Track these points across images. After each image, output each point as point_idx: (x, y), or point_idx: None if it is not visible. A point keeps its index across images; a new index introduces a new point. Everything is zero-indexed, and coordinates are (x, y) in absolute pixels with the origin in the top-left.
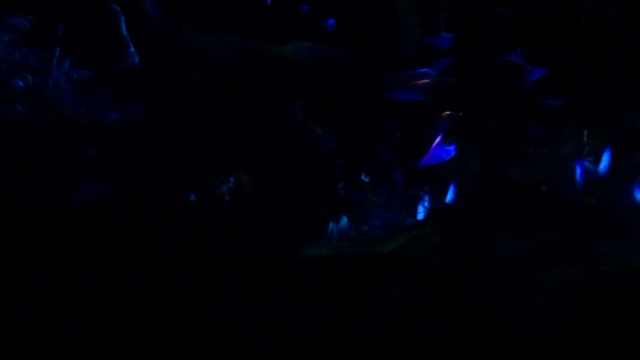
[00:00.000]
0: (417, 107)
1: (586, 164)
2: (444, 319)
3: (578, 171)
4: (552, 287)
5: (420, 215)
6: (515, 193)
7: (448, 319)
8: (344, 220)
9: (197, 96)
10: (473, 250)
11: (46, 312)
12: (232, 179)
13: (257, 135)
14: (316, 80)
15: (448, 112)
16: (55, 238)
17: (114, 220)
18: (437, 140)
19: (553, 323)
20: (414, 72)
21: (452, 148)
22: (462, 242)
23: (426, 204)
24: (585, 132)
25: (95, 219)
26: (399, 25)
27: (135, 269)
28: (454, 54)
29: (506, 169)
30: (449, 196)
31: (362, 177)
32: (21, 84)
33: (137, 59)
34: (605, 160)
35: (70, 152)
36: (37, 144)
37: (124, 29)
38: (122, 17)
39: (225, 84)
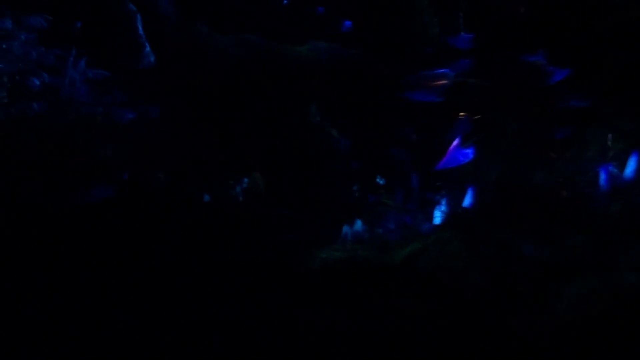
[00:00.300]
0: (435, 109)
1: (611, 168)
2: (459, 330)
3: (602, 176)
4: (575, 297)
5: (437, 220)
6: (536, 198)
7: (464, 331)
8: (359, 224)
9: (212, 96)
10: (492, 257)
11: (57, 311)
12: (246, 179)
13: (272, 136)
14: (332, 81)
15: (467, 114)
16: (66, 237)
17: (127, 220)
18: (455, 142)
19: (577, 336)
20: (433, 72)
21: (470, 151)
22: (481, 249)
23: (443, 208)
24: (610, 136)
25: (108, 218)
26: (417, 25)
27: (148, 269)
28: (474, 54)
29: (527, 173)
30: (467, 200)
31: (378, 180)
32: (38, 82)
33: (152, 59)
34: (631, 165)
35: (85, 151)
36: (53, 142)
37: (140, 28)
38: (139, 17)
39: (240, 84)
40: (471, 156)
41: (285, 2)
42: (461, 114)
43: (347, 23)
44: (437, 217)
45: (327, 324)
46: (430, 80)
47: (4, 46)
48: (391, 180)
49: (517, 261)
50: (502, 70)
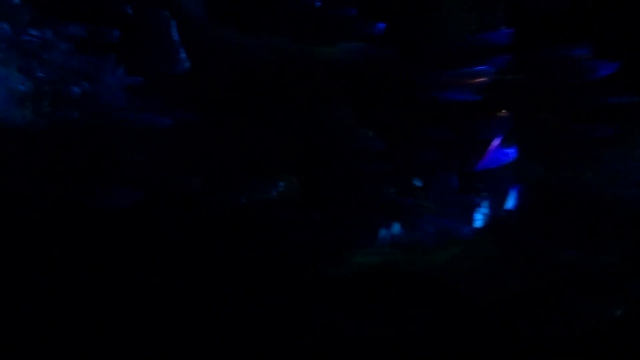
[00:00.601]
0: (473, 107)
1: None
2: (497, 337)
3: None
4: (623, 306)
5: (478, 223)
6: (580, 200)
7: (501, 337)
8: (396, 227)
9: (244, 100)
10: (535, 262)
11: (84, 313)
12: (282, 183)
13: (306, 140)
14: (364, 82)
15: (507, 112)
16: (95, 240)
17: (158, 224)
18: (496, 142)
19: (619, 346)
20: (470, 70)
21: (512, 150)
22: (522, 253)
23: (484, 210)
24: None
25: (139, 222)
26: (453, 22)
27: (181, 274)
28: (513, 49)
29: (571, 173)
30: (509, 203)
31: (415, 182)
32: (77, 90)
33: (187, 64)
34: None
35: (120, 156)
36: (91, 148)
37: (175, 34)
38: (173, 23)
39: (271, 87)
40: (513, 156)
41: (317, 4)
42: (500, 112)
43: (381, 25)
44: (478, 220)
45: (364, 332)
46: (468, 77)
47: (45, 56)
48: (429, 182)
49: (559, 267)
50: (544, 65)
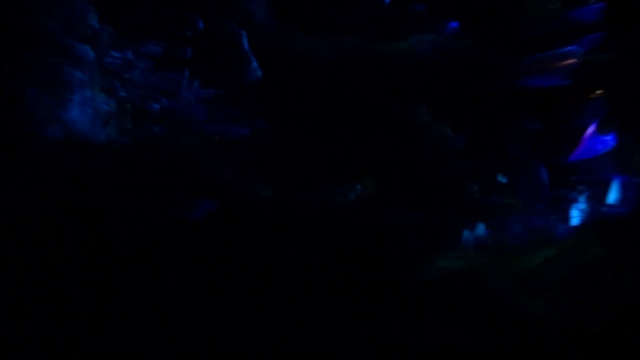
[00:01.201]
0: (562, 93)
1: None
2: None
3: None
4: None
5: (575, 220)
6: None
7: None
8: (481, 228)
9: (317, 104)
10: None
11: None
12: (358, 186)
13: (382, 140)
14: (440, 76)
15: (601, 95)
16: (179, 252)
17: (241, 234)
18: (590, 129)
19: None
20: (557, 51)
21: (609, 137)
22: (632, 255)
23: (581, 206)
24: None
25: (223, 232)
26: (533, 3)
27: (264, 282)
28: (605, 26)
29: None
30: (611, 196)
31: (499, 179)
32: (157, 106)
33: (259, 73)
34: None
35: (201, 168)
36: (172, 161)
37: (246, 44)
38: (244, 34)
39: (343, 87)
40: (611, 143)
41: (386, 1)
42: (594, 95)
43: (454, 24)
44: (575, 218)
45: (449, 343)
46: (554, 61)
47: (126, 76)
48: (515, 177)
49: None
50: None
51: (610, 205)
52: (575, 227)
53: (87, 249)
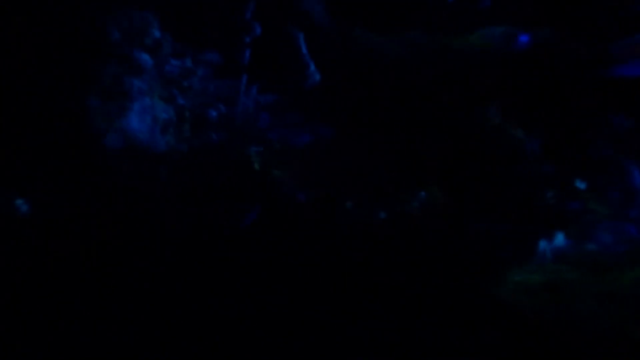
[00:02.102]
0: None
1: None
2: None
3: None
4: None
5: None
6: None
7: None
8: (560, 238)
9: (379, 106)
10: None
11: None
12: (423, 194)
13: (449, 144)
14: (513, 70)
15: None
16: (238, 259)
17: (302, 241)
18: None
19: None
20: None
21: None
22: None
23: None
24: None
25: (285, 239)
26: None
27: (327, 292)
28: None
29: None
30: None
31: (577, 184)
32: (215, 114)
33: (318, 77)
34: None
35: (261, 176)
36: (231, 170)
37: (304, 47)
38: (301, 37)
39: (409, 88)
40: None
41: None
42: None
43: (524, 38)
44: None
45: None
46: None
47: (185, 84)
48: (599, 181)
49: None
50: None
51: None
52: None
53: (145, 256)
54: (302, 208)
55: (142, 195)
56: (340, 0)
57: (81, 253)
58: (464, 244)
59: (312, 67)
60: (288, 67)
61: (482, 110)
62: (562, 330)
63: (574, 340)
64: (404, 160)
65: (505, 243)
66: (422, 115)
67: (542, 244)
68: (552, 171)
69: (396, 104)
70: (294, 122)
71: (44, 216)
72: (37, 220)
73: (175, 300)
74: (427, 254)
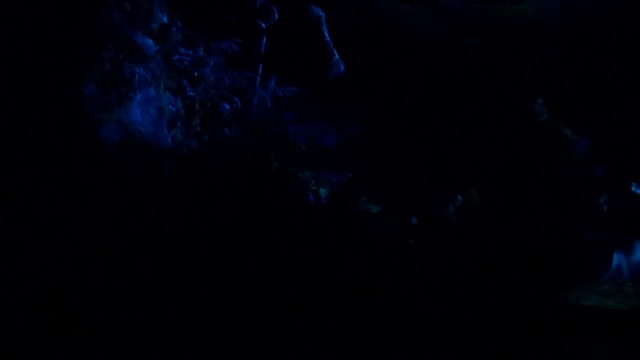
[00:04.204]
0: None
1: None
2: None
3: None
4: None
5: None
6: None
7: None
8: (638, 250)
9: (410, 97)
10: None
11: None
12: (460, 197)
13: (488, 143)
14: (570, 51)
15: None
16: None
17: (329, 244)
18: None
19: None
20: None
21: None
22: None
23: None
24: None
25: (310, 241)
26: None
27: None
28: None
29: None
30: None
31: (633, 189)
32: (228, 107)
33: (342, 67)
34: None
35: (278, 176)
36: (242, 167)
37: (326, 34)
38: (324, 19)
39: (441, 73)
40: None
41: None
42: None
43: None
44: None
45: None
46: None
47: (195, 74)
48: None
49: None
50: None
51: None
52: None
53: (146, 256)
54: (327, 213)
55: (142, 194)
56: None
57: (75, 249)
58: (506, 253)
59: (337, 56)
60: (309, 55)
61: (528, 103)
62: None
63: None
64: (439, 160)
65: (563, 254)
66: (458, 108)
67: (616, 258)
68: (604, 174)
69: (429, 94)
70: (316, 116)
71: (37, 214)
72: (32, 217)
73: (175, 300)
74: (464, 264)
